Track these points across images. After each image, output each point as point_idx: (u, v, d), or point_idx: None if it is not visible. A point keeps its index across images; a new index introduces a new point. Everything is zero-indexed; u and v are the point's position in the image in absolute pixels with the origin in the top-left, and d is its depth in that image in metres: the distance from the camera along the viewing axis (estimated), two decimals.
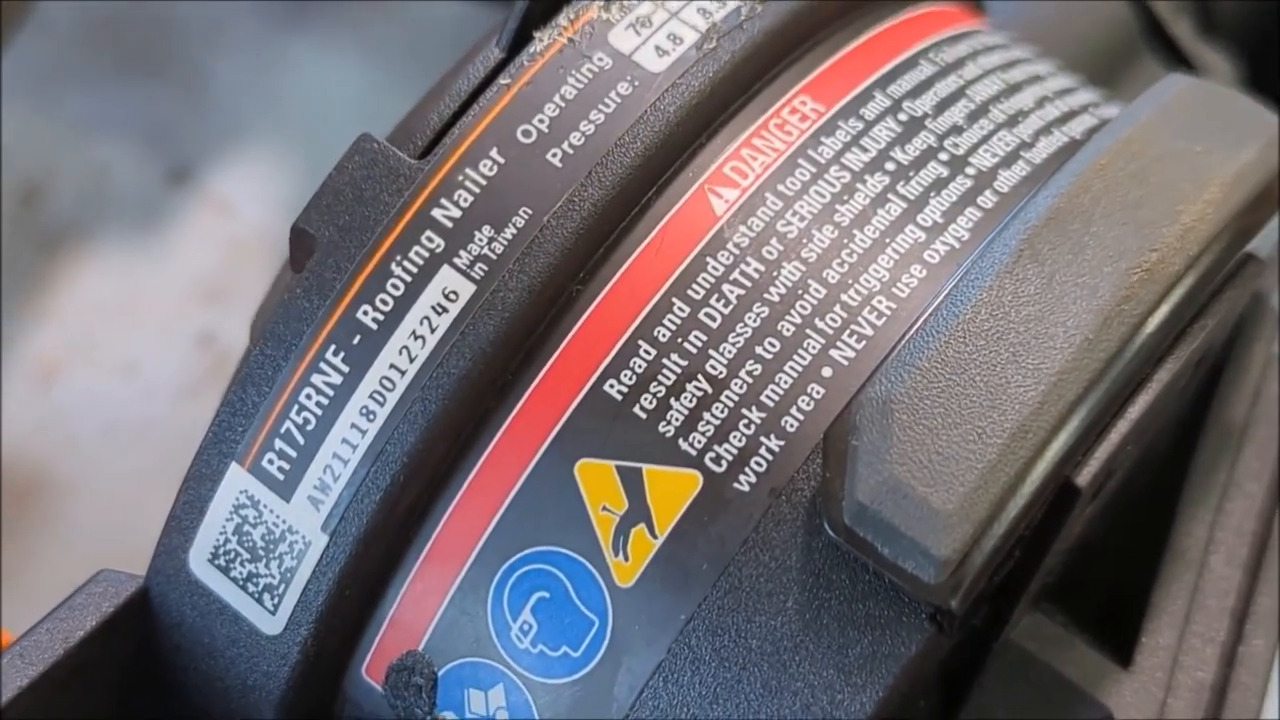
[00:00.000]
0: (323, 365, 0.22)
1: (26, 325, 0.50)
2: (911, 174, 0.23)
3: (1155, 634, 0.28)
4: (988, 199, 0.23)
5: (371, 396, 0.22)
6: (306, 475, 0.22)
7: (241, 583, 0.23)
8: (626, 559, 0.22)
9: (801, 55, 0.25)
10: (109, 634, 0.24)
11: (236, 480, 0.23)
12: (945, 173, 0.23)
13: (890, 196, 0.23)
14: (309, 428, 0.22)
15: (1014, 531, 0.23)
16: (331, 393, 0.22)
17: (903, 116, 0.24)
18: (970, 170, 0.23)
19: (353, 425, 0.22)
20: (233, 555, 0.23)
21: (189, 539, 0.23)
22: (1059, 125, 0.25)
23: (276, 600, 0.23)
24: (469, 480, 0.22)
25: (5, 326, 0.50)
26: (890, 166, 0.23)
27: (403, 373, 0.22)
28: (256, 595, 0.23)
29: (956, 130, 0.24)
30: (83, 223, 0.51)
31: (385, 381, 0.22)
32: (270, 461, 0.23)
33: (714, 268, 0.22)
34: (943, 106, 0.24)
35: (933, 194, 0.23)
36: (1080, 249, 0.22)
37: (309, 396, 0.23)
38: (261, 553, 0.23)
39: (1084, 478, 0.24)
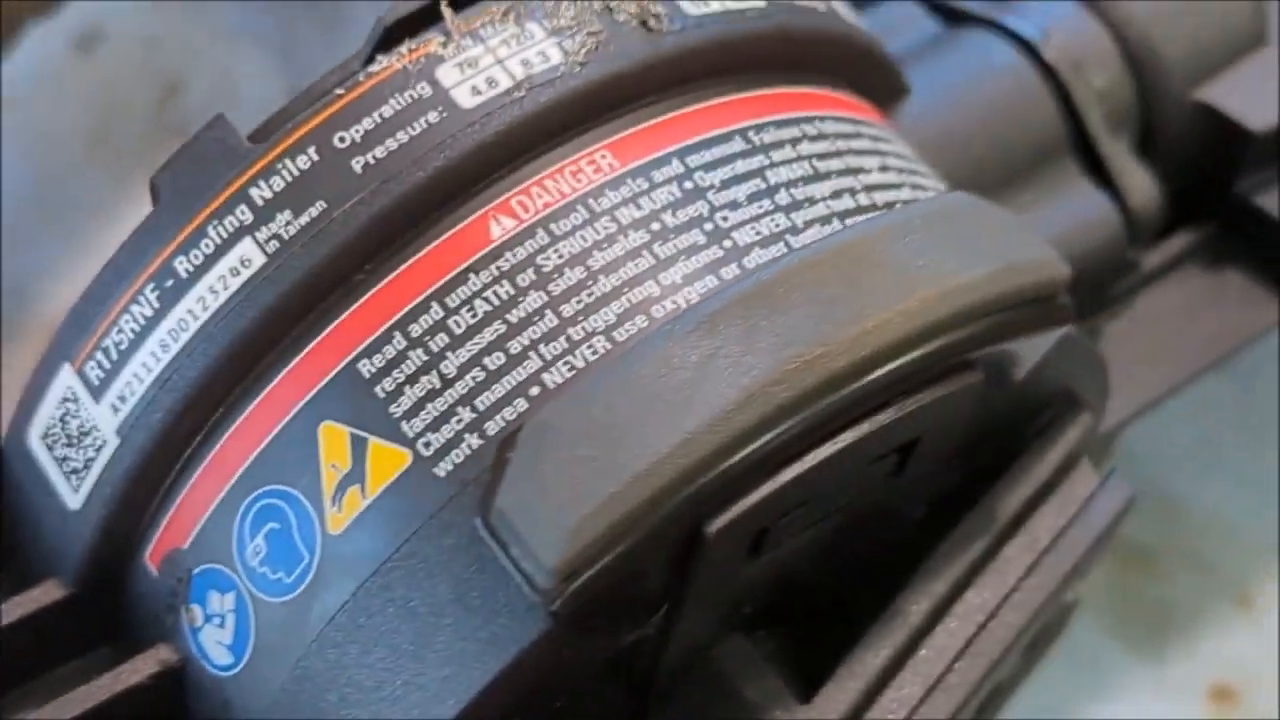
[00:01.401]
0: (140, 299, 0.26)
1: None
2: (670, 237, 0.25)
3: (843, 681, 0.29)
4: (729, 271, 0.25)
5: (169, 332, 0.26)
6: (113, 385, 0.27)
7: (59, 462, 0.27)
8: (340, 511, 0.25)
9: (625, 113, 0.27)
10: None
11: (66, 378, 0.28)
12: (702, 241, 0.25)
13: (643, 253, 0.25)
14: (122, 347, 0.26)
15: (630, 557, 0.24)
16: (143, 322, 0.26)
17: (688, 185, 0.26)
18: (726, 244, 0.26)
19: (152, 353, 0.26)
20: (56, 437, 0.27)
21: (30, 417, 0.28)
22: (845, 217, 0.27)
23: (79, 482, 0.27)
24: (241, 417, 0.26)
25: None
26: (655, 226, 0.26)
27: (196, 318, 0.25)
28: (67, 474, 0.27)
29: (732, 205, 0.26)
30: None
31: (182, 322, 0.26)
32: (91, 368, 0.27)
33: (473, 283, 0.25)
34: (732, 182, 0.27)
35: (682, 258, 0.25)
36: (754, 331, 0.24)
37: (127, 322, 0.27)
38: (74, 440, 0.27)
39: (713, 528, 0.25)
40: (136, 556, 0.29)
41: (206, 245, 0.26)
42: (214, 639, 0.28)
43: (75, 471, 0.28)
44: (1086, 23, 0.36)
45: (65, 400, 0.28)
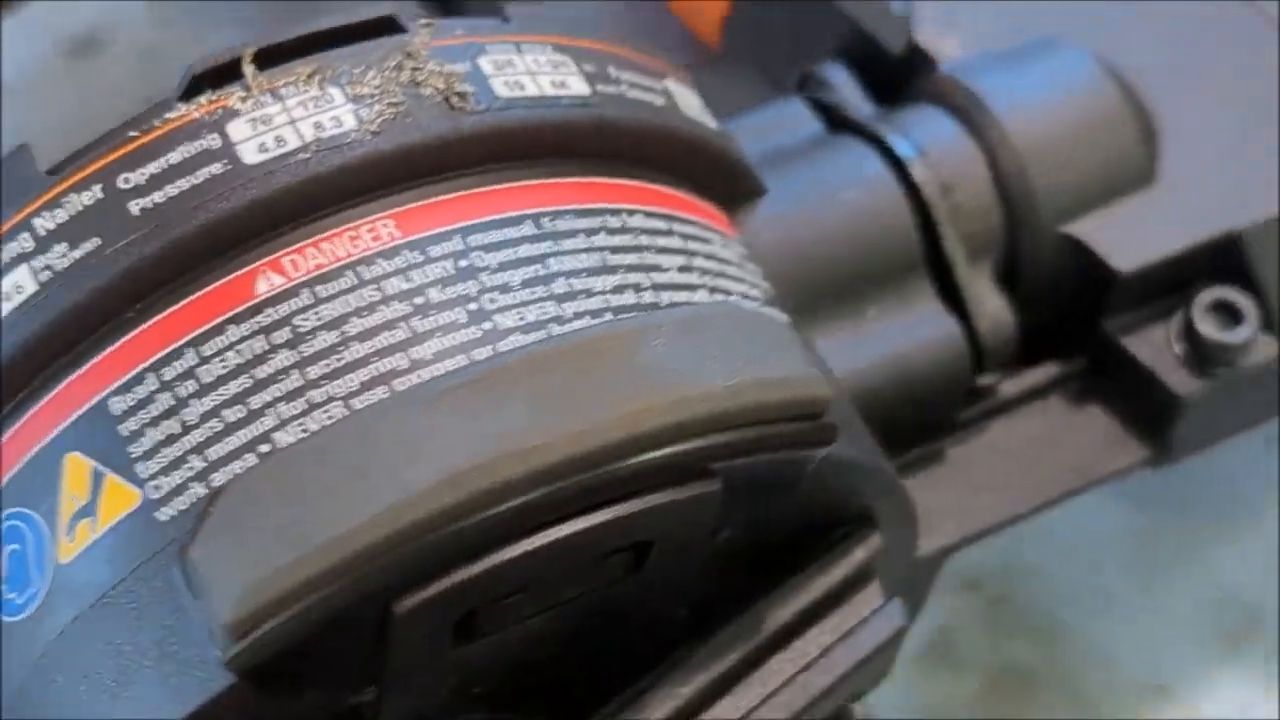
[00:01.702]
0: None
1: None
2: (431, 313, 0.26)
3: None
4: (482, 353, 0.26)
5: None
6: None
7: None
8: (72, 540, 0.26)
9: (416, 186, 0.28)
10: None
11: None
12: (463, 320, 0.26)
13: (400, 325, 0.26)
14: None
15: (307, 622, 0.24)
16: None
17: (463, 263, 0.27)
18: (486, 325, 0.26)
19: None
20: None
21: None
22: (620, 312, 0.27)
23: None
24: (6, 436, 0.27)
25: None
26: (419, 300, 0.26)
27: None
28: None
29: (504, 289, 0.26)
30: None
31: None
32: None
33: (230, 335, 0.26)
34: (510, 266, 0.27)
35: (437, 335, 0.26)
36: (473, 416, 0.24)
37: None
38: None
39: (402, 607, 0.26)
40: None
41: None
42: None
43: None
44: (964, 146, 0.36)
45: None
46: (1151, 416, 0.37)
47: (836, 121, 0.37)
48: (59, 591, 0.28)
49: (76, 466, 0.28)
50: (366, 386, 0.27)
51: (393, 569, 0.25)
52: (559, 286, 0.28)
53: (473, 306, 0.28)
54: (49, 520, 0.28)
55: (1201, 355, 0.36)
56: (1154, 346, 0.36)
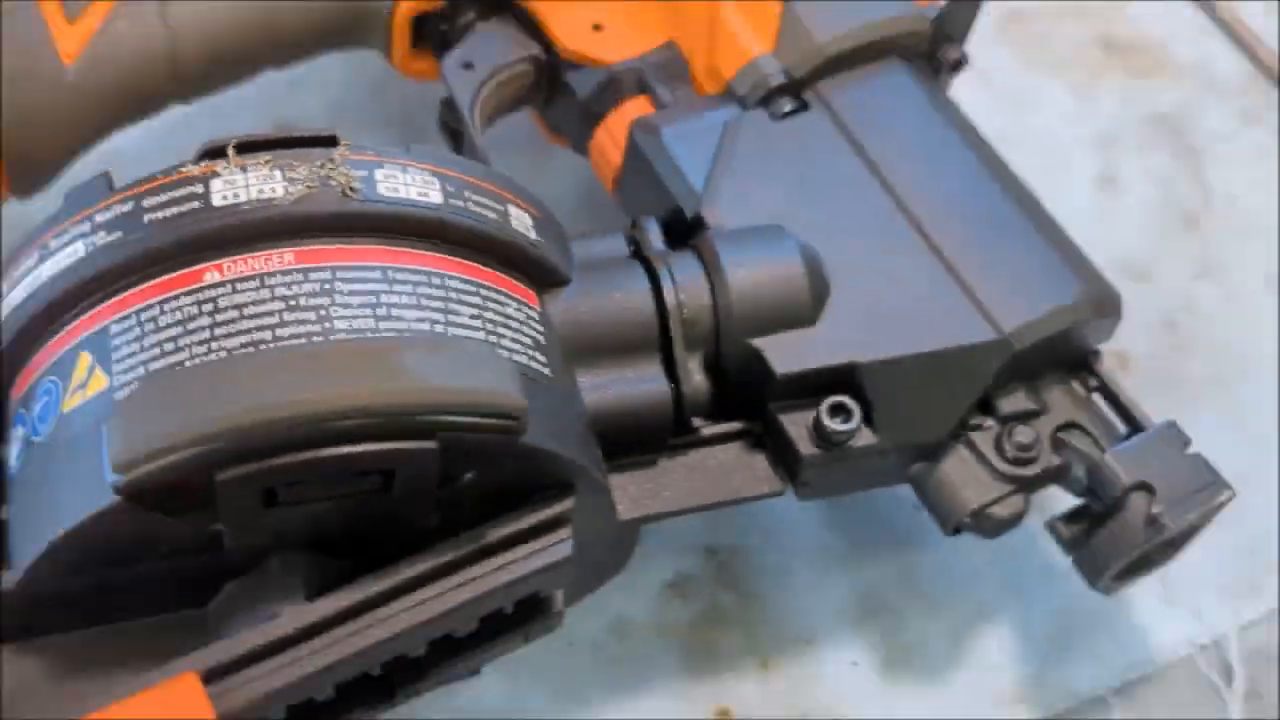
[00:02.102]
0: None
1: None
2: (296, 311, 0.30)
3: (330, 601, 0.31)
4: (317, 338, 0.30)
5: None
6: None
7: None
8: (70, 400, 0.31)
9: (312, 237, 0.31)
10: None
11: None
12: (313, 318, 0.30)
13: (276, 314, 0.30)
14: None
15: (166, 473, 0.28)
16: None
17: (327, 285, 0.30)
18: (326, 324, 0.30)
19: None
20: None
21: None
22: (412, 333, 0.30)
23: None
24: (57, 337, 0.31)
25: None
26: (291, 302, 0.30)
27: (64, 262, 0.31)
28: None
29: (345, 305, 0.30)
30: None
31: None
32: None
33: (182, 301, 0.30)
34: (356, 293, 0.30)
35: (294, 324, 0.30)
36: (287, 371, 0.29)
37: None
38: None
39: (219, 477, 0.28)
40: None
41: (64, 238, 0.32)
42: (11, 453, 0.33)
43: None
44: (699, 283, 0.37)
45: None
46: (789, 466, 0.38)
47: (635, 251, 0.38)
48: (60, 427, 0.32)
49: (83, 360, 0.32)
50: (244, 345, 0.31)
51: (216, 452, 0.28)
52: (381, 310, 0.32)
53: (323, 311, 0.31)
54: (64, 386, 0.32)
55: (822, 435, 0.37)
56: (796, 424, 0.37)
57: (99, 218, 0.32)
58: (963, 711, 0.42)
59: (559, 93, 0.45)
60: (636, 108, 0.43)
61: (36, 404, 0.32)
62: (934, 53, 0.43)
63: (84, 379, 0.31)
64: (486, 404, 0.30)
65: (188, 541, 0.31)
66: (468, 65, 0.44)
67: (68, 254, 0.33)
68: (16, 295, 0.33)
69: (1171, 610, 0.43)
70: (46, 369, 0.32)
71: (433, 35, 0.46)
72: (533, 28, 0.45)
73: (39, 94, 0.42)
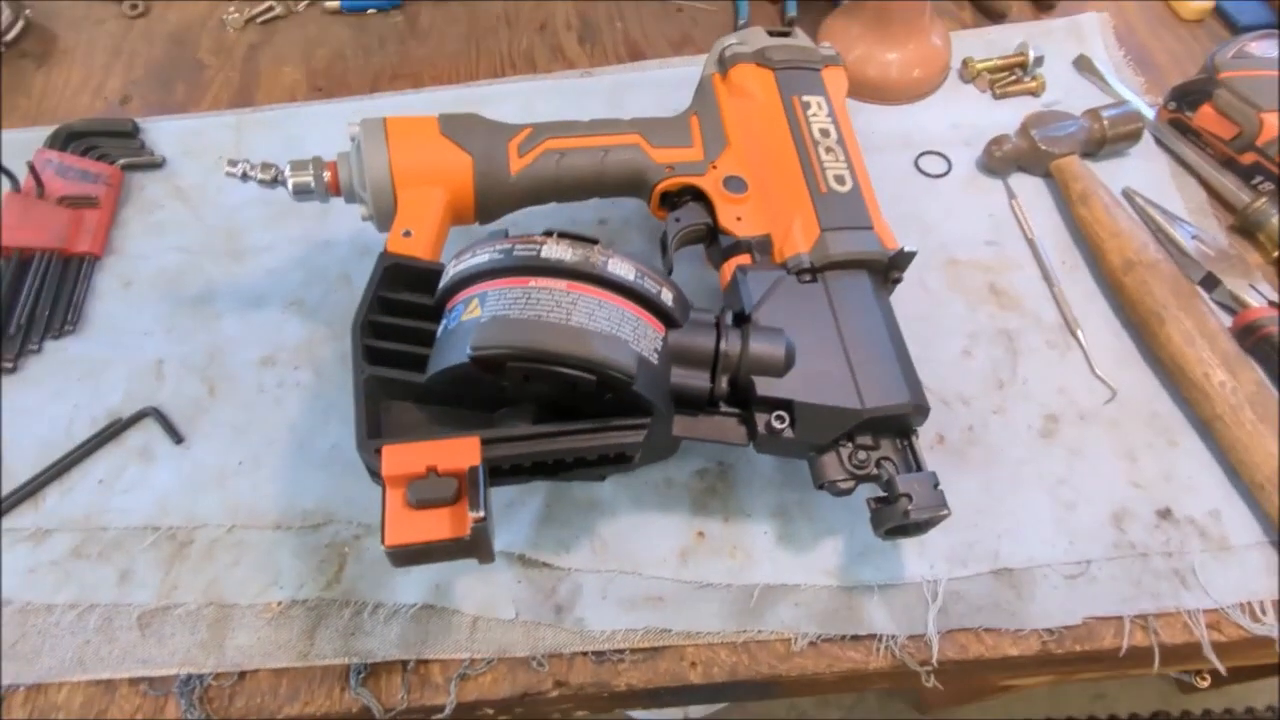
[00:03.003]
0: None
1: None
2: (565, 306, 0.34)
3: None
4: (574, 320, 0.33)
5: None
6: None
7: None
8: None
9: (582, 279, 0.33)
10: None
11: None
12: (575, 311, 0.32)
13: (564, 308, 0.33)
14: None
15: (487, 363, 0.30)
16: None
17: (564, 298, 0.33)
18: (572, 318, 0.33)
19: None
20: None
21: None
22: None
23: None
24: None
25: None
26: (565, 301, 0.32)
27: None
28: None
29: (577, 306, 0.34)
30: None
31: None
32: None
33: (531, 284, 0.33)
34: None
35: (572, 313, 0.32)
36: (546, 329, 0.31)
37: None
38: None
39: (509, 366, 0.30)
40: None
41: None
42: (440, 329, 0.35)
43: None
44: (737, 344, 0.36)
45: None
46: (753, 435, 0.37)
47: (717, 322, 0.37)
48: (459, 324, 0.33)
49: (474, 303, 0.34)
50: (533, 315, 0.32)
51: (509, 354, 0.31)
52: (593, 317, 0.33)
53: (568, 311, 0.33)
54: (465, 309, 0.34)
55: (769, 427, 0.36)
56: (761, 419, 0.37)
57: (498, 245, 0.35)
58: (806, 570, 0.42)
59: (715, 243, 0.44)
60: (742, 259, 0.42)
61: (453, 312, 0.35)
62: (887, 273, 0.43)
63: (473, 309, 0.35)
64: (615, 365, 0.33)
65: (491, 386, 0.34)
66: (677, 219, 0.44)
67: (481, 257, 0.36)
68: (460, 268, 0.36)
69: (920, 559, 0.42)
70: (460, 300, 0.35)
71: (668, 200, 0.46)
72: (710, 211, 0.44)
73: (498, 185, 0.43)
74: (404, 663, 0.39)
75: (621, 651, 0.39)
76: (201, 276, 0.51)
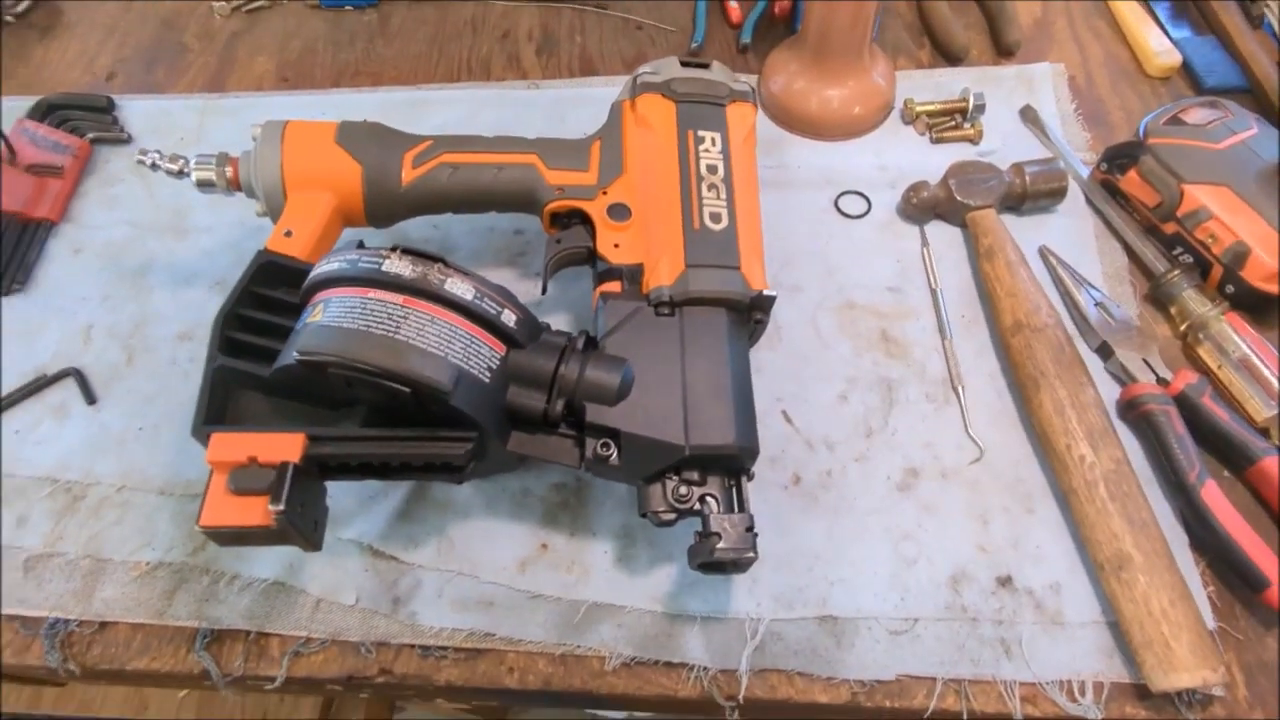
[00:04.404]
0: None
1: None
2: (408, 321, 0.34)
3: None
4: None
5: None
6: None
7: None
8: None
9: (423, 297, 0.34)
10: None
11: None
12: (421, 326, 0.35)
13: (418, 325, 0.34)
14: None
15: (316, 368, 0.31)
16: None
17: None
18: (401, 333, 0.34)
19: None
20: None
21: None
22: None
23: None
24: None
25: None
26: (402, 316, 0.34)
27: None
28: None
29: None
30: None
31: None
32: None
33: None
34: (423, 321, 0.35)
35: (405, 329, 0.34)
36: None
37: None
38: None
39: (330, 371, 0.30)
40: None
41: None
42: (296, 325, 0.36)
43: None
44: (576, 369, 0.37)
45: None
46: (583, 459, 0.37)
47: (567, 345, 0.38)
48: (305, 323, 0.35)
49: (319, 306, 0.35)
50: (363, 325, 0.33)
51: (331, 361, 0.32)
52: (422, 333, 0.34)
53: (397, 324, 0.33)
54: (313, 311, 0.35)
55: (596, 454, 0.37)
56: (591, 443, 0.37)
57: (348, 255, 0.37)
58: (636, 594, 0.42)
59: (593, 266, 0.45)
60: (612, 287, 0.43)
61: (305, 312, 0.37)
62: (749, 314, 0.43)
63: (318, 313, 0.36)
64: (428, 381, 0.33)
65: (330, 386, 0.35)
66: (557, 241, 0.44)
67: (334, 264, 0.37)
68: (317, 272, 0.37)
69: (749, 597, 0.43)
70: (312, 303, 0.37)
71: (559, 221, 0.46)
72: (591, 235, 0.44)
73: (387, 194, 0.44)
74: (247, 633, 0.41)
75: (445, 649, 0.41)
76: (144, 250, 0.54)
